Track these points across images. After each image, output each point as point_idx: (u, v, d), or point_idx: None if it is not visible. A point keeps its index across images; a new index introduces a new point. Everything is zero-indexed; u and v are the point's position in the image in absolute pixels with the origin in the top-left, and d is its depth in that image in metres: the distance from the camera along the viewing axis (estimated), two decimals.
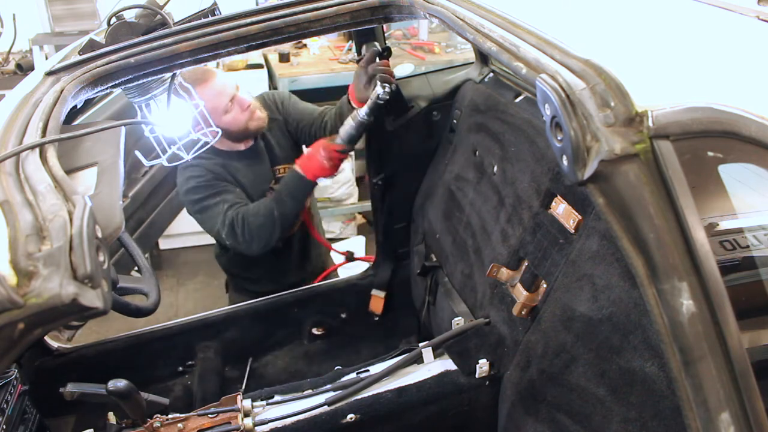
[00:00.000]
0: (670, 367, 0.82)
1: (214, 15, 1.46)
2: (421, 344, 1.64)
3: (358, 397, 1.53)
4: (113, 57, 1.27)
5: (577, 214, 1.35)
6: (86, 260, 0.67)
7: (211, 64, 3.44)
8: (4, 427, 1.46)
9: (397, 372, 1.59)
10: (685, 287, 0.79)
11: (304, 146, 2.33)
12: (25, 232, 0.70)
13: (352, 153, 3.79)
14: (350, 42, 3.67)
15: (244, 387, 2.01)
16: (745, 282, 1.30)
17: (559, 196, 1.44)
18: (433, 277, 2.10)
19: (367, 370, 1.63)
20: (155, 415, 1.43)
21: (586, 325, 1.27)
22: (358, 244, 3.65)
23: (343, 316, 2.35)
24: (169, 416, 1.44)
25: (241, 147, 2.18)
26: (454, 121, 2.07)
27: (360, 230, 4.03)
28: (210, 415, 1.45)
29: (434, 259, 2.08)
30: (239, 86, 2.10)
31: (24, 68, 3.43)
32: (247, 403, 1.49)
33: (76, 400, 1.38)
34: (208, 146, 1.64)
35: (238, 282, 2.49)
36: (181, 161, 1.61)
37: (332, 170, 2.01)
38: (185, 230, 3.64)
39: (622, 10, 1.29)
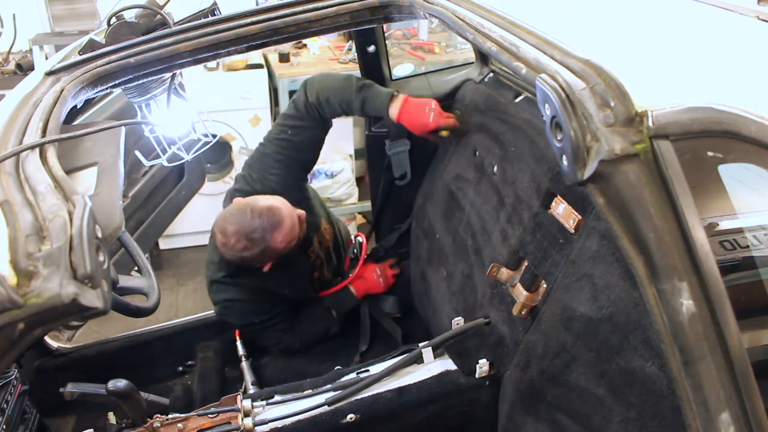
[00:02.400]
0: (670, 367, 0.82)
1: (214, 15, 1.46)
2: (421, 344, 1.64)
3: (358, 397, 1.53)
4: (113, 57, 1.27)
5: (577, 214, 1.35)
6: (86, 260, 0.67)
7: (211, 65, 3.48)
8: (4, 427, 1.46)
9: (397, 372, 1.59)
10: (685, 287, 0.79)
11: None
12: (25, 232, 0.70)
13: (352, 153, 3.81)
14: (350, 42, 3.67)
15: (244, 387, 2.01)
16: (745, 282, 1.30)
17: (559, 196, 1.44)
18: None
19: (367, 370, 1.63)
20: (155, 415, 1.43)
21: (586, 325, 1.26)
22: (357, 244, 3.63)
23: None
24: (169, 416, 1.44)
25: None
26: None
27: (360, 230, 4.02)
28: (210, 415, 1.45)
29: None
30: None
31: (24, 68, 3.42)
32: (247, 403, 1.49)
33: (76, 400, 1.37)
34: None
35: None
36: (181, 161, 1.61)
37: (386, 288, 2.12)
38: (185, 230, 3.64)
39: (622, 10, 1.29)
